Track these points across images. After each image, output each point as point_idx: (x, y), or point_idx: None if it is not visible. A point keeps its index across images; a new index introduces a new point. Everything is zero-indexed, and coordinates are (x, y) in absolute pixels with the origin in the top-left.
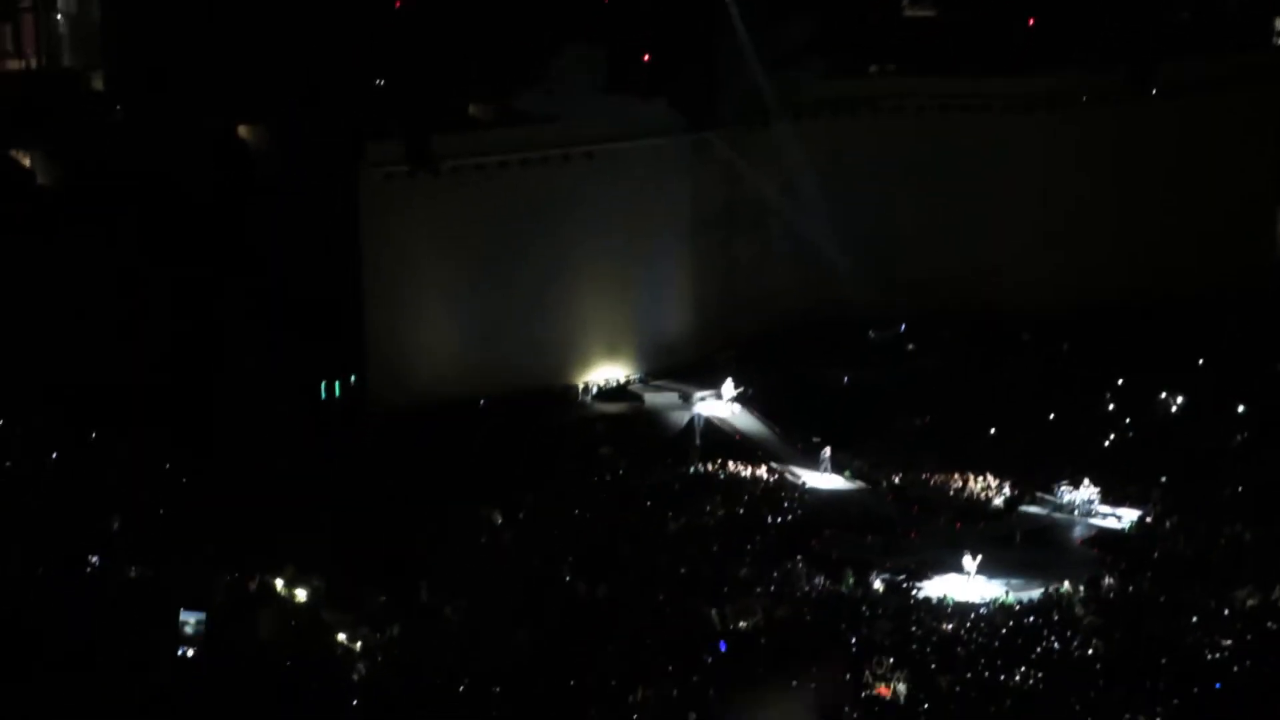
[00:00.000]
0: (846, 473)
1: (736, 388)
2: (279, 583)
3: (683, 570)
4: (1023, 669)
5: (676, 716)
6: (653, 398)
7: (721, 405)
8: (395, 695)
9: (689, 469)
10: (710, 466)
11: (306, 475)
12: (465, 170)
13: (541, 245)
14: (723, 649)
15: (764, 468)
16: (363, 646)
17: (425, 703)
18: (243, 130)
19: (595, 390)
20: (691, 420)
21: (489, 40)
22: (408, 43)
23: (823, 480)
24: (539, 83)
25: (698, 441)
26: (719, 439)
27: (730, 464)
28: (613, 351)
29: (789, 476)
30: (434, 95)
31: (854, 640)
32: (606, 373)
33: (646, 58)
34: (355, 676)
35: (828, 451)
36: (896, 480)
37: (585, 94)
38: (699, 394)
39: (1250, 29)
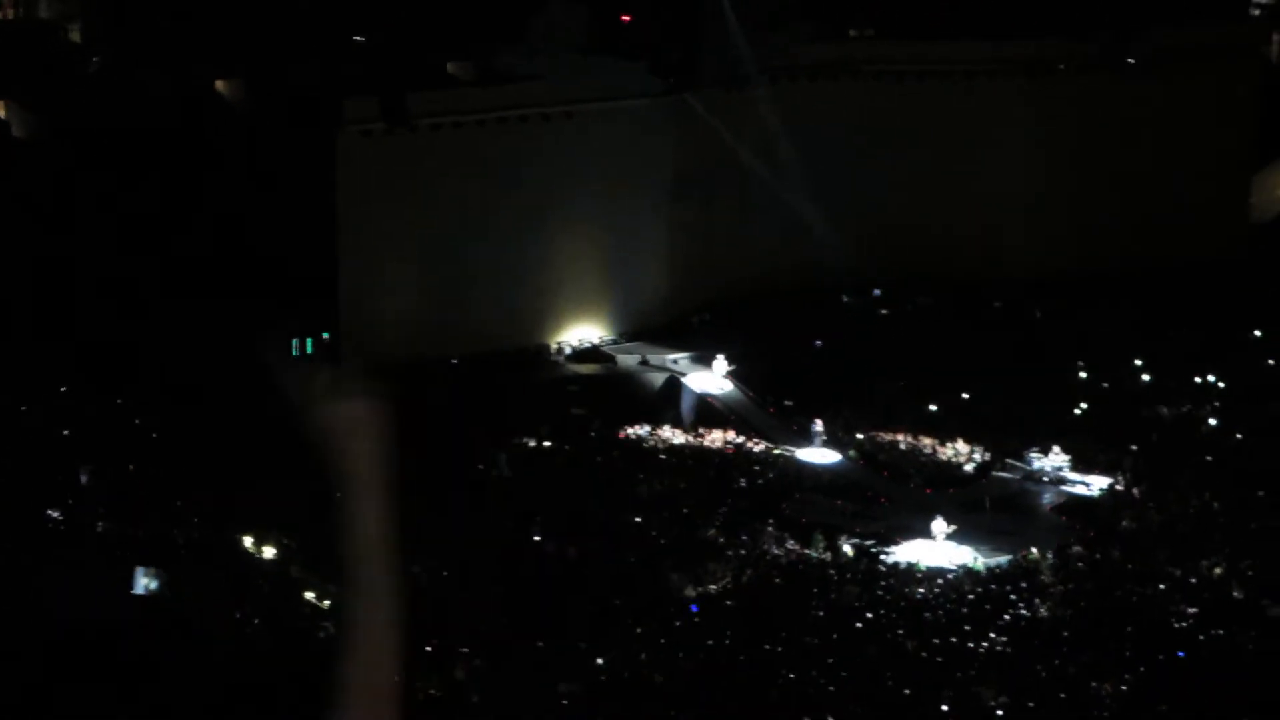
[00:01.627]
0: (851, 452)
1: (730, 364)
2: (247, 540)
3: (653, 533)
4: (990, 635)
5: (644, 680)
6: (626, 359)
7: (712, 379)
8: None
9: (662, 433)
10: (684, 432)
11: (276, 432)
12: (443, 129)
13: (519, 205)
14: (694, 610)
15: (751, 441)
16: (331, 605)
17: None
18: (220, 84)
19: (569, 351)
20: (670, 386)
21: None
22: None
23: (817, 456)
24: (519, 41)
25: (683, 414)
26: (704, 411)
27: (704, 429)
28: (588, 312)
29: (783, 453)
30: (412, 52)
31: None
32: (581, 333)
33: (627, 18)
34: (322, 634)
35: (820, 425)
36: (867, 445)
37: (565, 54)
38: (670, 357)
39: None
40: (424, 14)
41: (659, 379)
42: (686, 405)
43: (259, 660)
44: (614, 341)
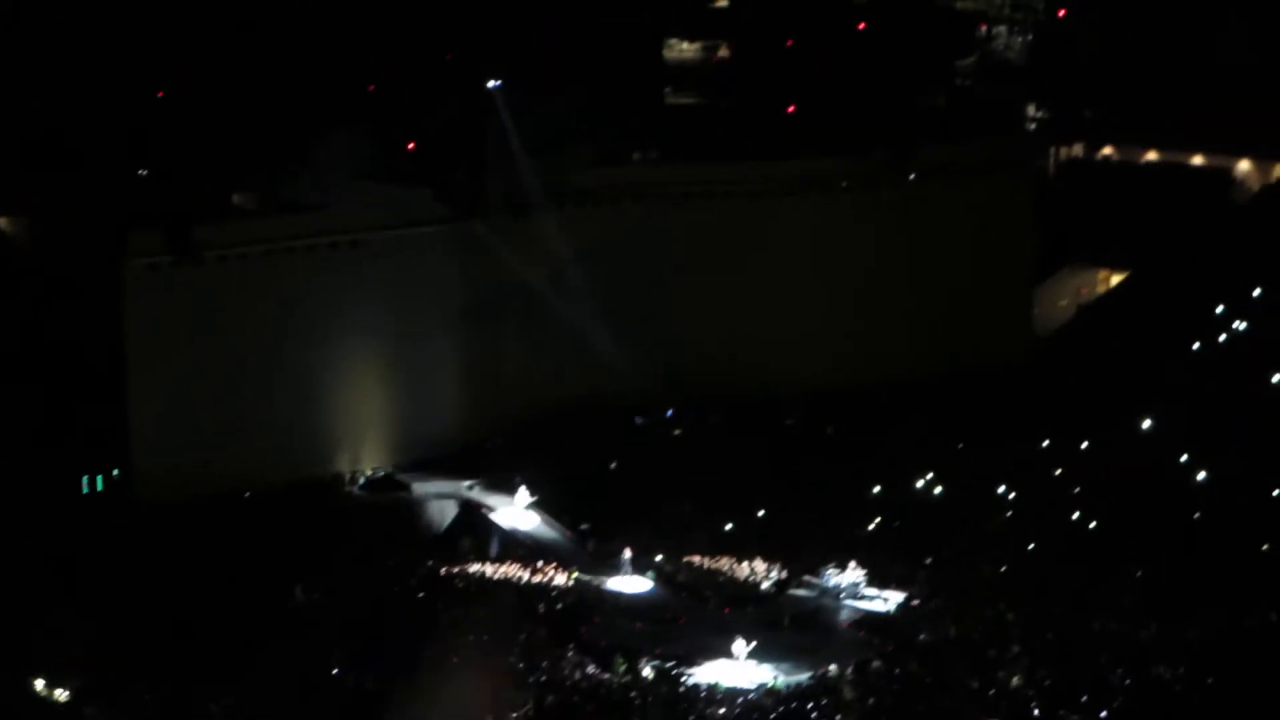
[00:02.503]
0: (649, 573)
1: (531, 495)
2: (39, 683)
3: (454, 660)
4: None
5: None
6: (421, 488)
7: (516, 512)
8: None
9: (459, 562)
10: (485, 561)
11: (68, 572)
12: (230, 259)
13: (308, 334)
14: None
15: (560, 572)
16: None
17: None
18: (2, 220)
19: (363, 480)
20: (466, 514)
21: (252, 128)
22: (171, 131)
23: (625, 584)
24: (304, 171)
25: (489, 548)
26: (509, 542)
27: (506, 559)
28: (381, 439)
29: (590, 582)
30: (197, 184)
31: None
32: (375, 461)
33: (412, 146)
34: None
35: (628, 554)
36: (665, 567)
37: (351, 182)
38: (465, 483)
39: (1004, 115)
40: (208, 145)
41: (453, 508)
42: (494, 540)
43: None
44: (407, 469)
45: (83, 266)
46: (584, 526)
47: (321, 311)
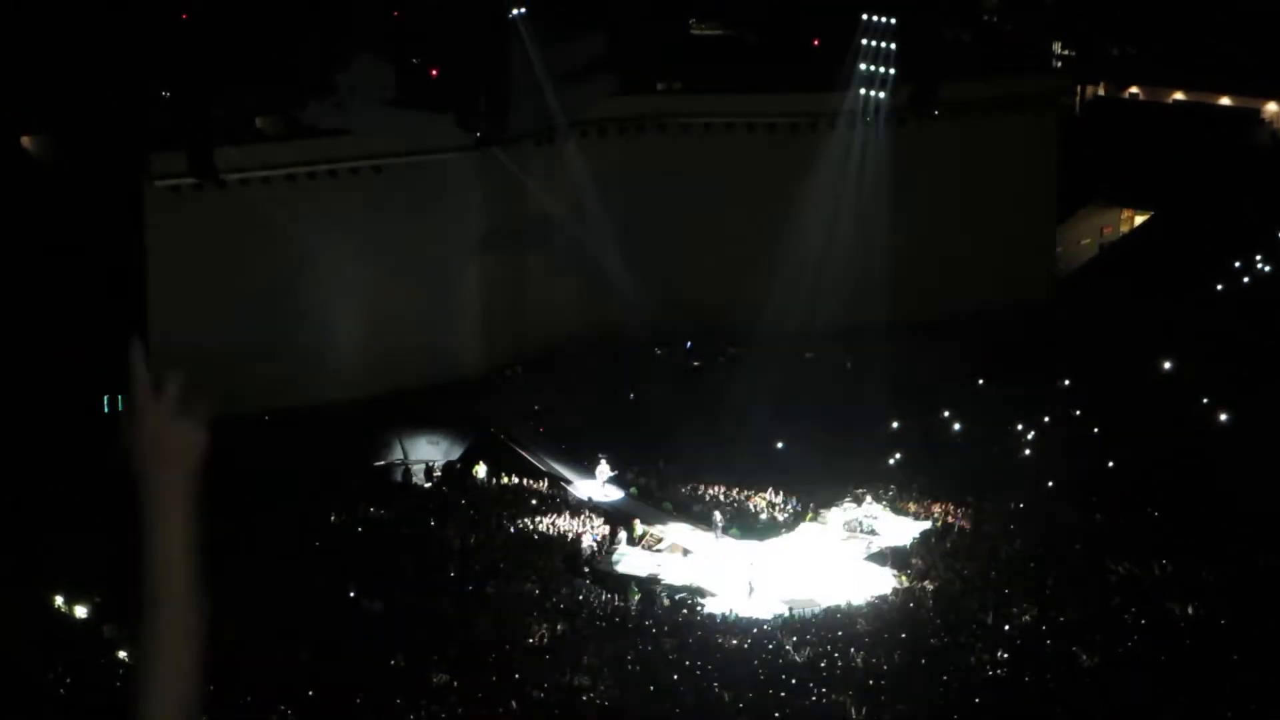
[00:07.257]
0: (666, 504)
1: (611, 470)
2: (58, 599)
3: (469, 587)
4: (808, 685)
5: None
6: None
7: (596, 487)
8: None
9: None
10: (496, 481)
11: (88, 490)
12: (252, 183)
13: (328, 259)
14: None
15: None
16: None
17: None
18: (26, 140)
19: (379, 406)
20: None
21: (276, 52)
22: (194, 53)
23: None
24: (326, 95)
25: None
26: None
27: (517, 478)
28: (399, 366)
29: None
30: (220, 107)
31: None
32: (392, 385)
33: (435, 72)
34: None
35: (718, 517)
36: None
37: (373, 108)
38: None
39: (1030, 52)
40: (231, 69)
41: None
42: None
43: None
44: (428, 394)
45: (106, 187)
46: (601, 455)
47: (342, 236)
